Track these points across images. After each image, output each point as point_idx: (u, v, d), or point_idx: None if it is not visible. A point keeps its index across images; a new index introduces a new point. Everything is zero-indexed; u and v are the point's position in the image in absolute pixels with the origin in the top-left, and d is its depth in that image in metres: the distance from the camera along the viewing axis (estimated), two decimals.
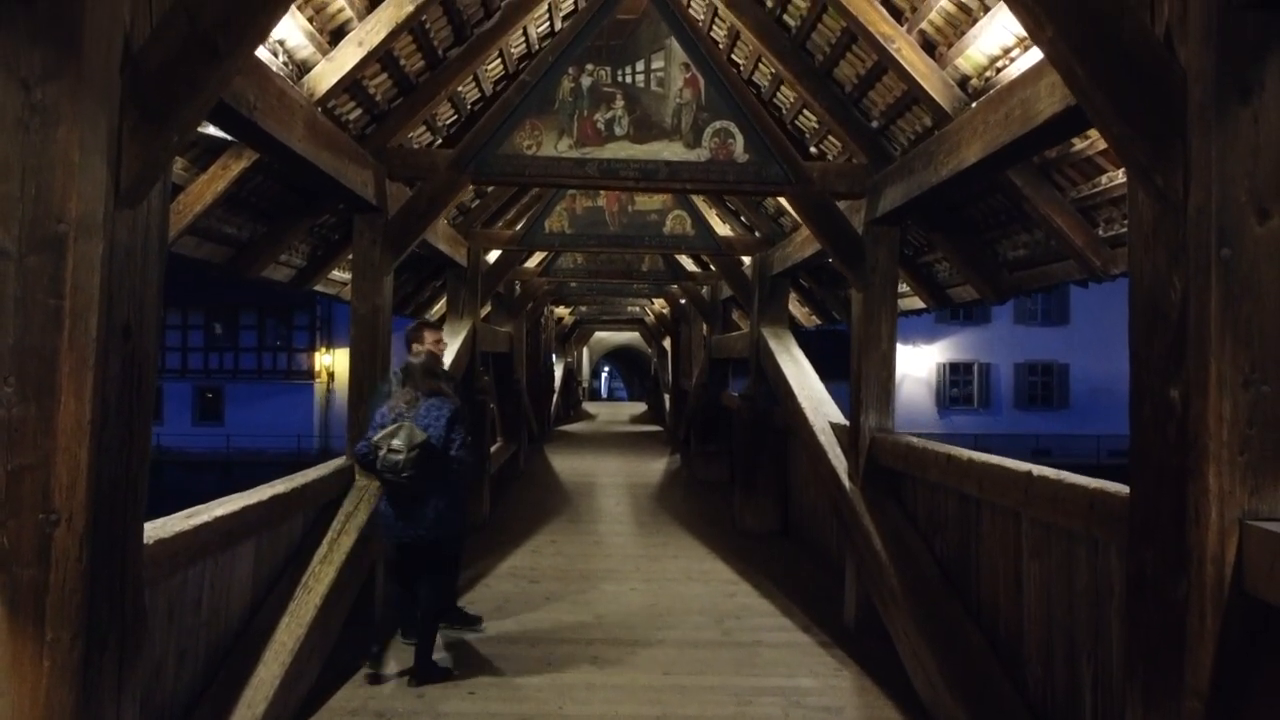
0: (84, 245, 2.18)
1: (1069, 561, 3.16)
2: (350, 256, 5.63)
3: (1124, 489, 2.68)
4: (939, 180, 4.11)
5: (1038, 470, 3.28)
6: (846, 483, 5.44)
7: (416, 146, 6.14)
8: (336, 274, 6.99)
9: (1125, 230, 4.07)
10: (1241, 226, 2.12)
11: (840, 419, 6.42)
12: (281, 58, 4.00)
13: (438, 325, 6.37)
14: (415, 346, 4.77)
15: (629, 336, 35.62)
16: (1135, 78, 2.20)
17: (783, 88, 6.16)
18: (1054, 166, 4.24)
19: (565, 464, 13.77)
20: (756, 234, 8.88)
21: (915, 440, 4.70)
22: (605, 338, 38.48)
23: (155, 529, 2.93)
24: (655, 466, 13.93)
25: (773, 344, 8.09)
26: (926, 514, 4.60)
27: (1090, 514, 2.88)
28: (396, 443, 4.10)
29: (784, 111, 6.37)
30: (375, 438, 4.18)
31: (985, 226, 5.32)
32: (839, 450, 5.83)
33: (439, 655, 4.56)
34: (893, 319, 5.22)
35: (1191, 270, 2.15)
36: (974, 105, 3.82)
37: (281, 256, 5.84)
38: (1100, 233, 4.30)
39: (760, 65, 6.26)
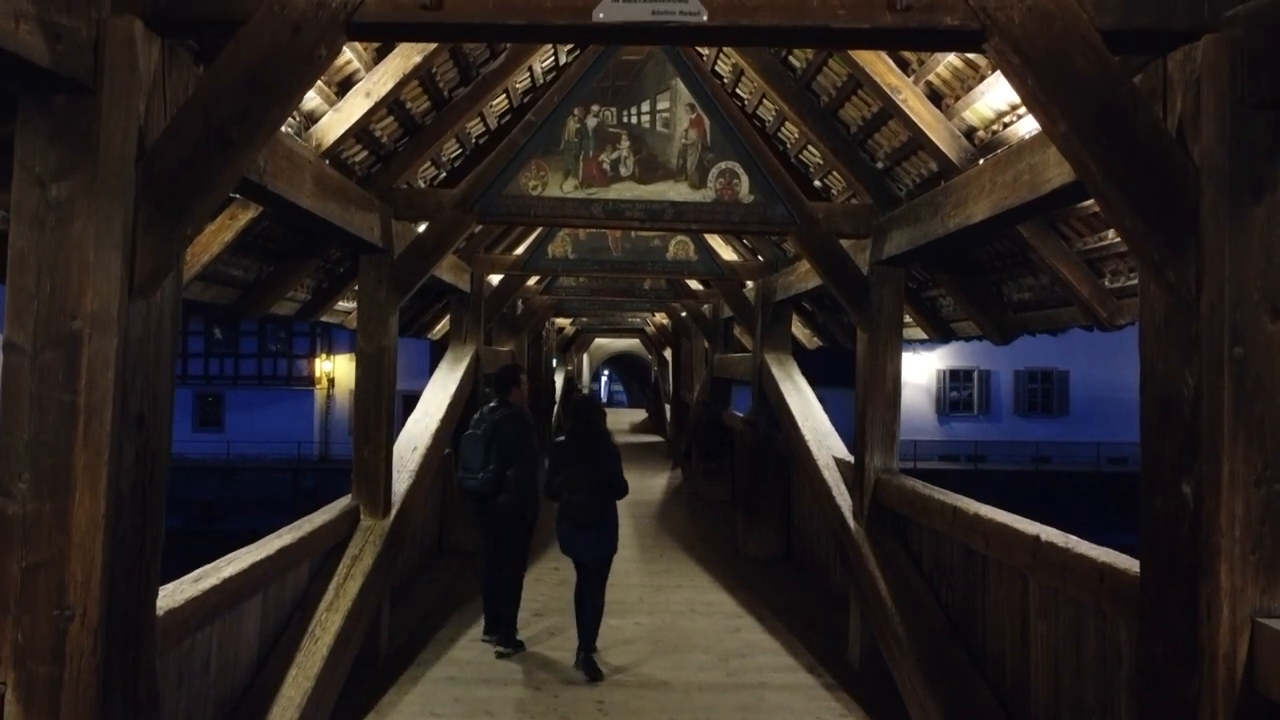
0: (98, 340, 2.18)
1: (1077, 626, 3.16)
2: (356, 287, 5.63)
3: (1134, 565, 2.67)
4: (945, 232, 4.11)
5: (1045, 535, 3.28)
6: (851, 522, 5.44)
7: (421, 183, 6.14)
8: (342, 304, 6.98)
9: (1133, 282, 4.08)
10: (1255, 325, 2.13)
11: (844, 453, 6.42)
12: None
13: (522, 368, 6.94)
14: (516, 390, 5.69)
15: (629, 343, 35.56)
16: (1148, 174, 2.21)
17: (787, 124, 6.16)
18: (1060, 218, 4.24)
19: None
20: (760, 258, 8.89)
21: (921, 486, 4.70)
22: (606, 344, 38.40)
23: (166, 597, 2.92)
24: (657, 482, 13.92)
25: (775, 370, 8.09)
26: (932, 559, 4.60)
27: (1099, 588, 2.87)
28: (577, 482, 5.04)
29: (788, 146, 6.38)
30: (559, 479, 5.16)
31: (990, 268, 5.32)
32: (844, 488, 5.83)
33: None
34: (898, 359, 5.21)
35: (1204, 367, 2.15)
36: (982, 162, 3.82)
37: (287, 293, 5.83)
38: (1106, 284, 4.30)
39: (765, 101, 6.25)
